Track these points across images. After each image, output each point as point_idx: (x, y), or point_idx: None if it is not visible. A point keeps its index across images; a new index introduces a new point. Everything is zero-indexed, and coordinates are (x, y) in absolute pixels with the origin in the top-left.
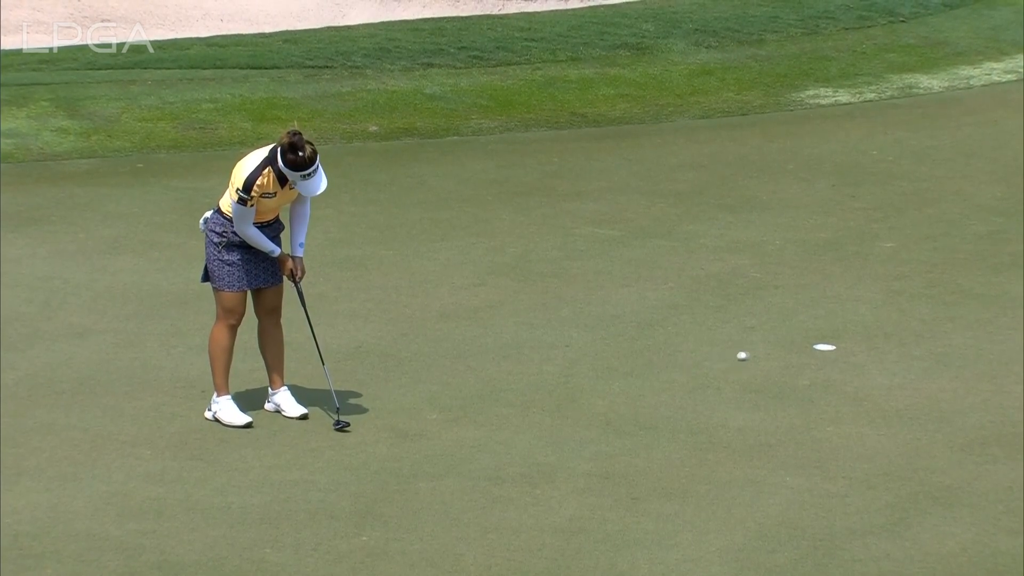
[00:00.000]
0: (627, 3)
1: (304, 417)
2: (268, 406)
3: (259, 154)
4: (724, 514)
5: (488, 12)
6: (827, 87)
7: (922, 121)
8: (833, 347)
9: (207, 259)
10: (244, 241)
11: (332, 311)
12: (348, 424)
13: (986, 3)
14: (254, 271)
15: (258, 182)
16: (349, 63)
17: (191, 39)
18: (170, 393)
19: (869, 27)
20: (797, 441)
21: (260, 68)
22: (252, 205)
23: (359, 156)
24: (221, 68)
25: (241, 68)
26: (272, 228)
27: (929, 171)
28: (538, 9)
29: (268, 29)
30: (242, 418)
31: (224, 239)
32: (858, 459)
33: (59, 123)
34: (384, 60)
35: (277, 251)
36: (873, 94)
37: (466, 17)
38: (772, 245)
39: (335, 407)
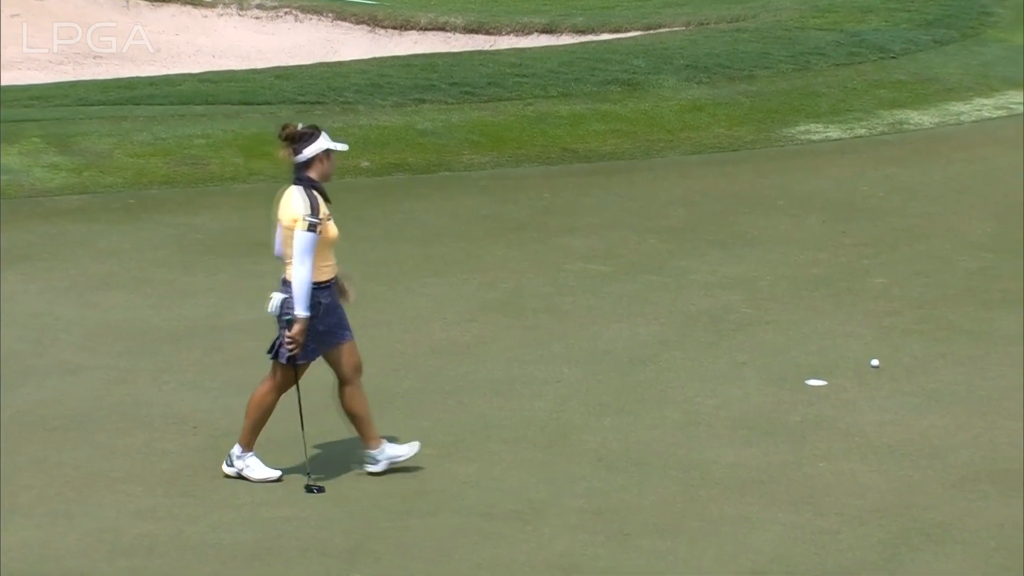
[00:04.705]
0: (618, 39)
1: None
2: (374, 468)
3: (295, 190)
4: (716, 551)
5: (479, 48)
6: (818, 123)
7: (913, 157)
8: (825, 383)
9: (282, 336)
10: (326, 306)
11: None
12: (323, 489)
13: (976, 40)
14: (328, 333)
15: (321, 207)
16: (341, 99)
17: (183, 75)
18: (162, 430)
19: (860, 63)
20: (789, 477)
21: (252, 104)
22: (321, 231)
23: (350, 192)
24: (213, 104)
25: (233, 104)
26: (334, 286)
27: (920, 207)
28: (529, 45)
29: (260, 65)
30: (272, 473)
31: (319, 305)
32: (850, 495)
33: (51, 159)
34: (376, 96)
35: (306, 314)
36: (864, 130)
37: (457, 53)
38: (763, 281)
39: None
